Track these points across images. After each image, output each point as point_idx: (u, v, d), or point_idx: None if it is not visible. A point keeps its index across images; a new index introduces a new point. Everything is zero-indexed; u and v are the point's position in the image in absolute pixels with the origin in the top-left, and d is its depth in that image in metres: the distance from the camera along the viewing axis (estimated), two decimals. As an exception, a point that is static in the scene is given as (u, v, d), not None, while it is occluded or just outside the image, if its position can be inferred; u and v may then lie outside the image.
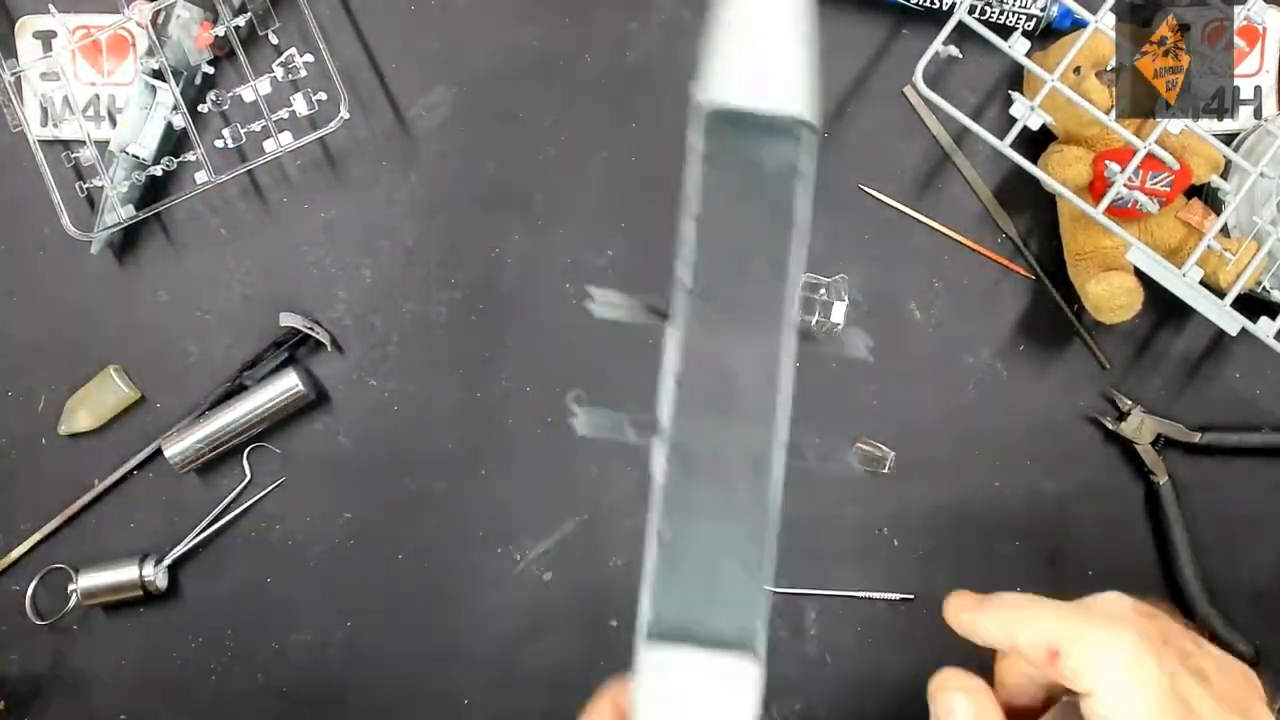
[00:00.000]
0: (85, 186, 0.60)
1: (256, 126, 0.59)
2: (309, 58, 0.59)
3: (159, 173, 0.60)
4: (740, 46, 0.35)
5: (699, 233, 0.37)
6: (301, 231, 0.62)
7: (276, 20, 0.59)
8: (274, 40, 0.60)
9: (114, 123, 0.61)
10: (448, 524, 0.63)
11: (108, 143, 0.60)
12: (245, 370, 0.62)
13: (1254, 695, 0.36)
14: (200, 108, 0.60)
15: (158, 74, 0.59)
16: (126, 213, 0.59)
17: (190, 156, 0.59)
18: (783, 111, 0.35)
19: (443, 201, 0.62)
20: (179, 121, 0.59)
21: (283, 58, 0.59)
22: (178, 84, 0.59)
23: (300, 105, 0.59)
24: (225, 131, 0.60)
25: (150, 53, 0.59)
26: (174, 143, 0.61)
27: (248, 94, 0.59)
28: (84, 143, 0.59)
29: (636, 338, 0.65)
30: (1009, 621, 0.35)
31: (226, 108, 0.60)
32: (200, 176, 0.59)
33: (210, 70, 0.61)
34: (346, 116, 0.58)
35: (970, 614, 0.36)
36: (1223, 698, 0.34)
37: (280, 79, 0.59)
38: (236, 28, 0.58)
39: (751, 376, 0.36)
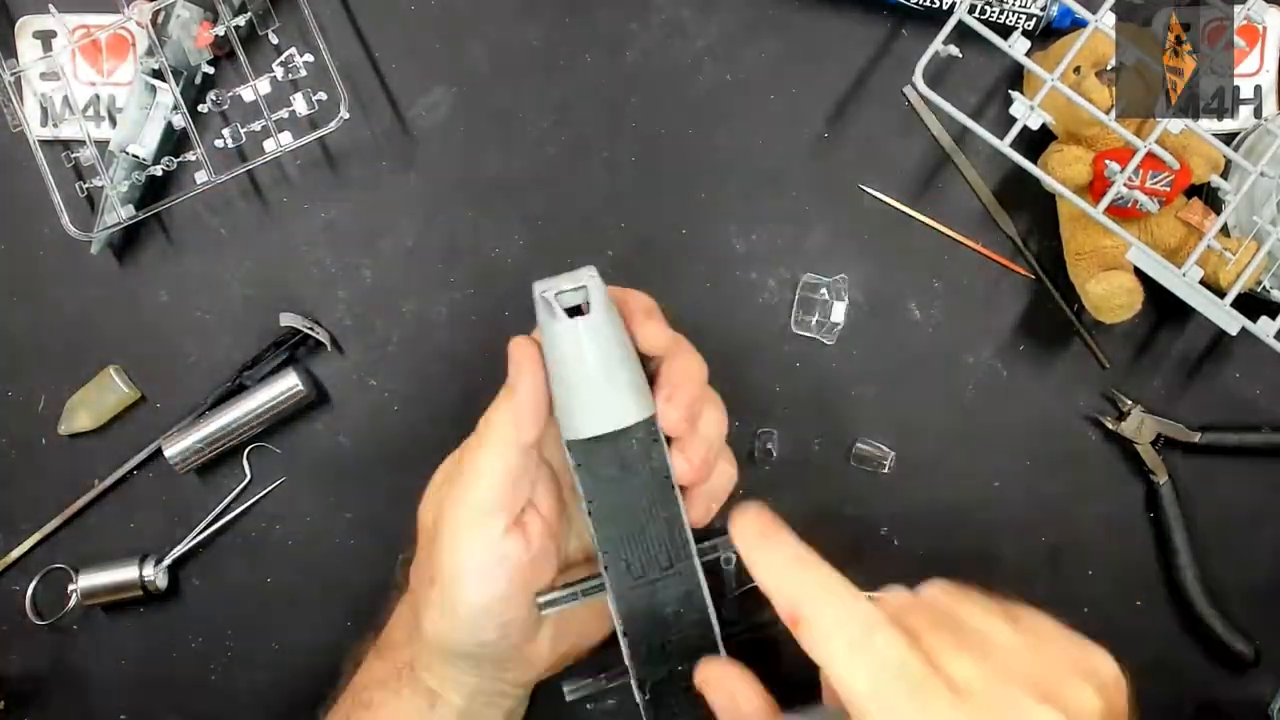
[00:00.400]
0: (85, 187, 0.59)
1: (256, 126, 0.59)
2: (309, 58, 0.59)
3: (159, 173, 0.60)
4: (579, 393, 0.41)
5: (596, 522, 0.43)
6: (301, 231, 0.62)
7: (276, 20, 0.59)
8: (274, 40, 0.60)
9: (114, 123, 0.61)
10: (448, 524, 0.63)
11: (108, 143, 0.60)
12: (245, 370, 0.62)
13: (1073, 672, 0.36)
14: (200, 108, 0.60)
15: (158, 74, 0.59)
16: (126, 213, 0.59)
17: (190, 156, 0.59)
18: (630, 424, 0.42)
19: (443, 201, 0.62)
20: (179, 121, 0.59)
21: (282, 57, 0.59)
22: (178, 84, 0.59)
23: (300, 105, 0.59)
24: (225, 131, 0.60)
25: (150, 52, 0.59)
26: (174, 143, 0.61)
27: (248, 94, 0.59)
28: (84, 143, 0.59)
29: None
30: (772, 575, 0.38)
31: (226, 108, 0.60)
32: (200, 176, 0.59)
33: (210, 70, 0.61)
34: (346, 116, 0.58)
35: (753, 549, 0.39)
36: (1010, 674, 0.34)
37: (280, 79, 0.59)
38: (237, 27, 0.58)
39: (684, 606, 0.44)
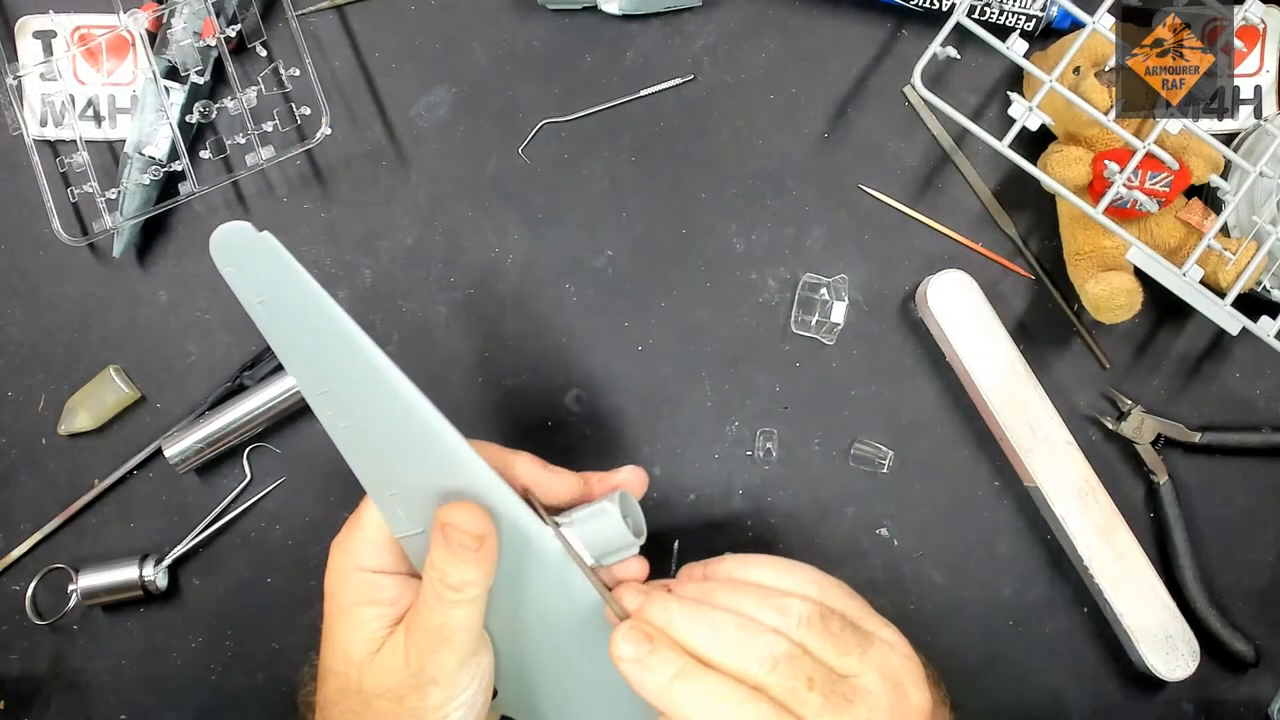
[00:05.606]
0: (87, 189, 0.59)
1: (267, 127, 0.60)
2: (295, 71, 0.59)
3: (178, 169, 0.59)
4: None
5: None
6: (301, 231, 0.62)
7: (264, 34, 0.59)
8: (262, 52, 0.61)
9: (114, 123, 0.61)
10: (448, 524, 0.63)
11: (109, 143, 0.61)
12: (245, 370, 0.62)
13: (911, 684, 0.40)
14: (202, 110, 0.60)
15: (167, 75, 0.59)
16: (133, 212, 0.59)
17: (205, 154, 0.60)
18: None
19: (443, 201, 0.62)
20: (192, 119, 0.60)
21: (278, 64, 0.60)
22: (182, 86, 0.59)
23: (302, 110, 0.60)
24: (227, 134, 0.60)
25: (160, 54, 0.59)
26: (184, 143, 0.61)
27: (250, 97, 0.59)
28: (84, 143, 0.59)
29: (634, 339, 0.65)
30: (658, 697, 0.38)
31: (231, 110, 0.60)
32: (202, 179, 0.59)
33: (200, 81, 0.61)
34: (328, 131, 0.59)
35: (633, 673, 0.39)
36: (875, 711, 0.38)
37: (265, 93, 0.60)
38: (226, 39, 0.59)
39: None
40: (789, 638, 0.39)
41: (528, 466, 0.45)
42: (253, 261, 0.40)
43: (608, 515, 0.42)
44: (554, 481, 0.44)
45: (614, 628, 0.40)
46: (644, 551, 0.44)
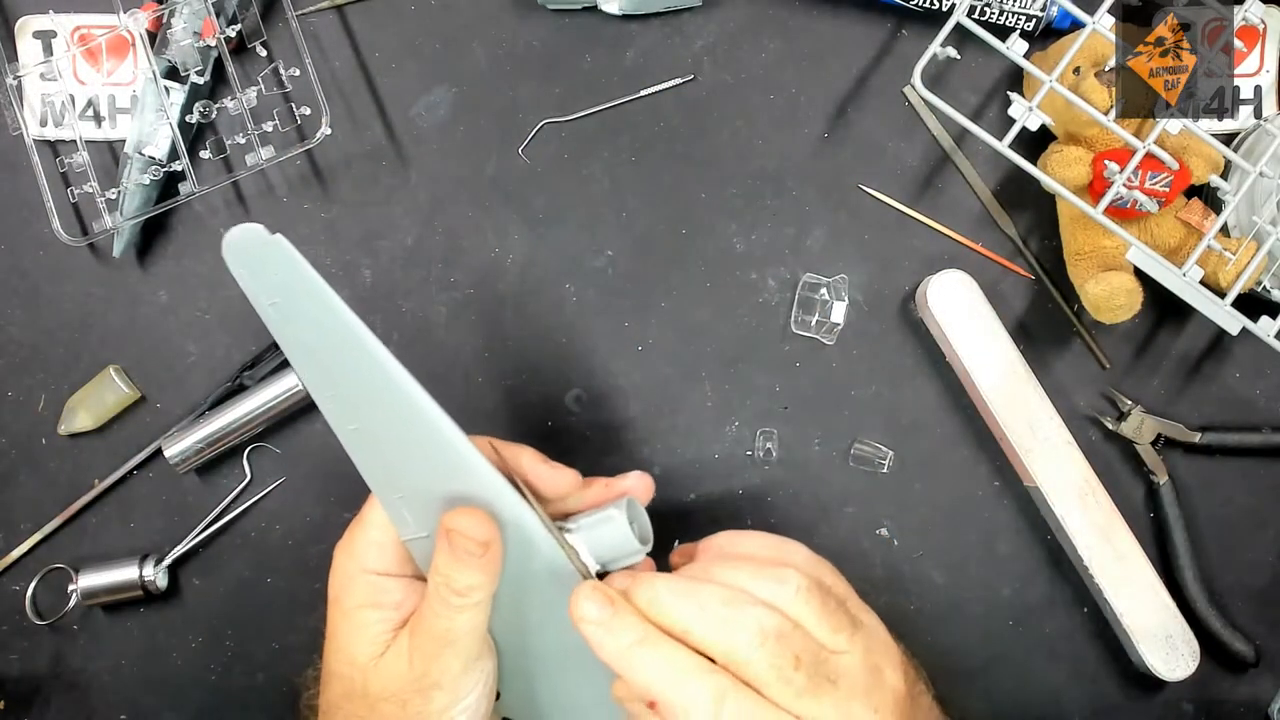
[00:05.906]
0: (87, 189, 0.59)
1: (267, 127, 0.60)
2: (295, 71, 0.59)
3: (178, 169, 0.59)
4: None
5: None
6: (301, 231, 0.62)
7: (265, 34, 0.59)
8: (262, 52, 0.60)
9: (114, 123, 0.61)
10: (448, 524, 0.63)
11: (109, 143, 0.61)
12: (245, 370, 0.62)
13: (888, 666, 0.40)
14: (202, 110, 0.60)
15: (167, 75, 0.59)
16: (133, 212, 0.59)
17: (205, 154, 0.60)
18: None
19: (443, 201, 0.62)
20: (192, 119, 0.60)
21: (278, 64, 0.60)
22: (182, 86, 0.59)
23: (302, 110, 0.60)
24: (227, 134, 0.60)
25: (160, 54, 0.59)
26: (184, 143, 0.61)
27: (250, 97, 0.59)
28: (84, 143, 0.59)
29: (634, 339, 0.65)
30: (618, 660, 0.38)
31: (231, 110, 0.60)
32: (202, 179, 0.59)
33: (200, 81, 0.61)
34: (328, 131, 0.59)
35: (594, 634, 0.38)
36: (853, 692, 0.38)
37: (265, 93, 0.60)
38: (226, 39, 0.59)
39: None
40: (784, 611, 0.38)
41: (530, 461, 0.44)
42: (264, 264, 0.40)
43: (614, 522, 0.42)
44: (555, 477, 0.44)
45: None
46: (643, 552, 0.44)
